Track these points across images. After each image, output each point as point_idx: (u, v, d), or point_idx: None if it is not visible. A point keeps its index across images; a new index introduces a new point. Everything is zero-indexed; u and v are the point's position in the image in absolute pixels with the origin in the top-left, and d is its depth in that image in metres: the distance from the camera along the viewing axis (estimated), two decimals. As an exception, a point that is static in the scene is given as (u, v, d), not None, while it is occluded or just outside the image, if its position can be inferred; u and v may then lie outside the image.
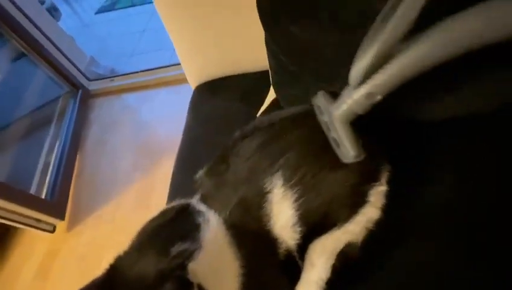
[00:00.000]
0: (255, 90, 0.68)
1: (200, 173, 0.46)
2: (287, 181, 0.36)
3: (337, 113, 0.34)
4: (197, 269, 0.30)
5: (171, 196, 0.61)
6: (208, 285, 0.30)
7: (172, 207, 0.38)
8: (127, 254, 0.33)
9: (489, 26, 0.26)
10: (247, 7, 0.59)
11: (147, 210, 1.08)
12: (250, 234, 0.36)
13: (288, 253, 0.37)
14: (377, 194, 0.39)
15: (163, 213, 0.38)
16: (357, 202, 0.38)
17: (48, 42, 1.41)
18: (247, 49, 0.70)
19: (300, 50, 0.49)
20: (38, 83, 1.44)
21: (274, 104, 0.62)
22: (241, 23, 0.65)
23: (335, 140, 0.36)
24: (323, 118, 0.37)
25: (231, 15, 0.65)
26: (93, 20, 2.32)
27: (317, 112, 0.38)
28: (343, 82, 0.50)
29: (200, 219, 0.35)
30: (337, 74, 0.49)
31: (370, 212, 0.38)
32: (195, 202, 0.39)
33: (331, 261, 0.37)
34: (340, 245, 0.38)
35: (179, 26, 0.68)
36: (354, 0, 0.40)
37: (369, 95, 0.32)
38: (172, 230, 0.34)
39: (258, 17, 0.51)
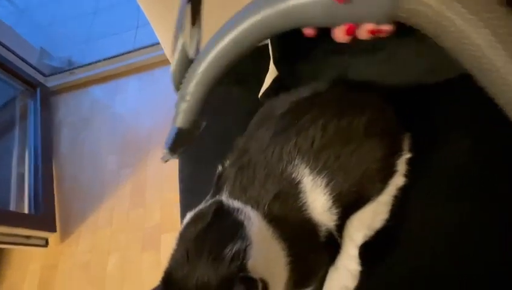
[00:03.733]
0: (251, 70, 0.65)
1: (221, 168, 0.45)
2: (313, 169, 0.36)
3: (175, 122, 0.39)
4: (254, 264, 0.30)
5: (184, 192, 0.59)
6: (266, 277, 0.31)
7: (208, 208, 0.37)
8: (177, 267, 0.32)
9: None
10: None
11: (143, 208, 1.05)
12: (291, 224, 0.36)
13: (329, 233, 0.39)
14: (403, 163, 0.41)
15: (199, 216, 0.37)
16: (388, 174, 0.39)
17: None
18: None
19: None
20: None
21: (276, 83, 0.60)
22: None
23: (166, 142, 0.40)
24: None
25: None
26: (29, 4, 2.01)
27: None
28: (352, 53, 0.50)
29: (241, 217, 0.34)
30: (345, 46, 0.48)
31: (397, 181, 0.41)
32: (225, 199, 0.38)
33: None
34: (377, 217, 0.40)
35: (158, 6, 0.61)
36: None
37: (187, 100, 0.36)
38: (217, 233, 0.33)
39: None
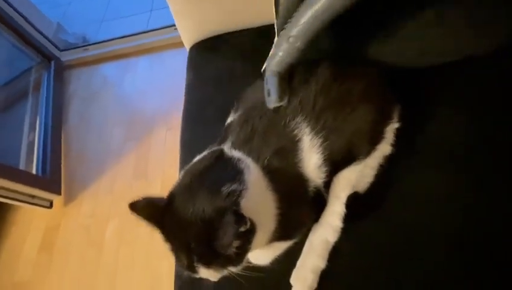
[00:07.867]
0: (256, 47, 0.68)
1: (228, 122, 0.48)
2: (313, 129, 0.40)
3: (270, 65, 0.38)
4: (247, 206, 0.33)
5: (184, 154, 0.63)
6: (255, 221, 0.33)
7: (211, 154, 0.40)
8: (180, 192, 0.36)
9: None
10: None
11: (145, 179, 1.09)
12: (285, 179, 0.39)
13: (317, 190, 0.42)
14: (391, 131, 0.44)
15: (203, 159, 0.40)
16: (376, 138, 0.43)
17: (10, 9, 1.26)
18: (246, 2, 0.68)
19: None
20: (4, 54, 1.31)
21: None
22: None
23: (268, 90, 0.40)
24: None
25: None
26: (49, -17, 2.06)
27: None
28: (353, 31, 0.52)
29: (242, 165, 0.38)
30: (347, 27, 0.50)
31: (384, 149, 0.44)
32: (227, 148, 0.41)
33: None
34: (363, 179, 0.43)
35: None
36: None
37: (291, 42, 0.35)
38: (218, 173, 0.37)
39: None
